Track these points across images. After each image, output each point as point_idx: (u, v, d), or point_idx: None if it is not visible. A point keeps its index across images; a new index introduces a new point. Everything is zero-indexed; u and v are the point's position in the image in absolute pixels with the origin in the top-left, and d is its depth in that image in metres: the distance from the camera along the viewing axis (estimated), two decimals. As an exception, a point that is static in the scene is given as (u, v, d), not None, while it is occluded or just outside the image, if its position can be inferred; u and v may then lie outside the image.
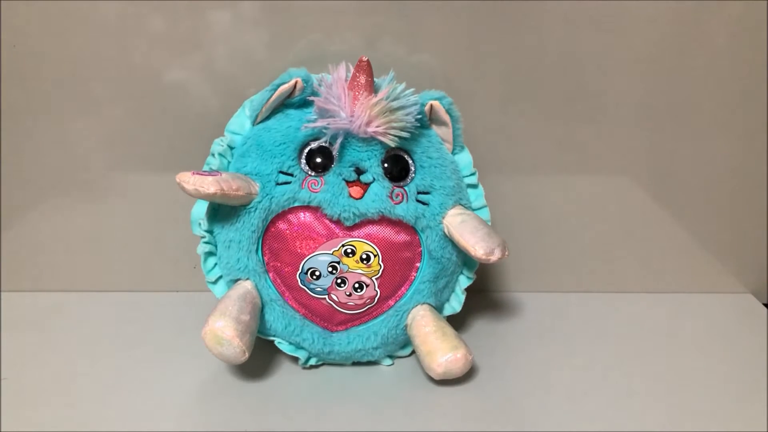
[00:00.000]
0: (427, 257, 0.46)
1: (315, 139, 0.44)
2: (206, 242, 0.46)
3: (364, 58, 0.43)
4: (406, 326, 0.47)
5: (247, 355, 0.42)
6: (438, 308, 0.48)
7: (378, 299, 0.46)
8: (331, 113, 0.43)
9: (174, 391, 0.45)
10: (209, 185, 0.40)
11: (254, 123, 0.46)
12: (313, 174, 0.44)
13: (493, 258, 0.43)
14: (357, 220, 0.44)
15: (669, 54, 0.52)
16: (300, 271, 0.45)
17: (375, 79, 0.44)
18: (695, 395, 0.46)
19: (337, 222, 0.44)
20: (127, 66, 0.51)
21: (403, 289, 0.47)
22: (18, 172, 0.54)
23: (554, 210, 0.58)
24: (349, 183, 0.44)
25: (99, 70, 0.51)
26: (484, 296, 0.59)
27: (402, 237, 0.45)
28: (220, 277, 0.47)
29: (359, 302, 0.46)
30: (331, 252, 0.44)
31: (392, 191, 0.44)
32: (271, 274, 0.46)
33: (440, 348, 0.45)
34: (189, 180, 0.40)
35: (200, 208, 0.46)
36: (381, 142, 0.44)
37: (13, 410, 0.43)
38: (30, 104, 0.52)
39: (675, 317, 0.57)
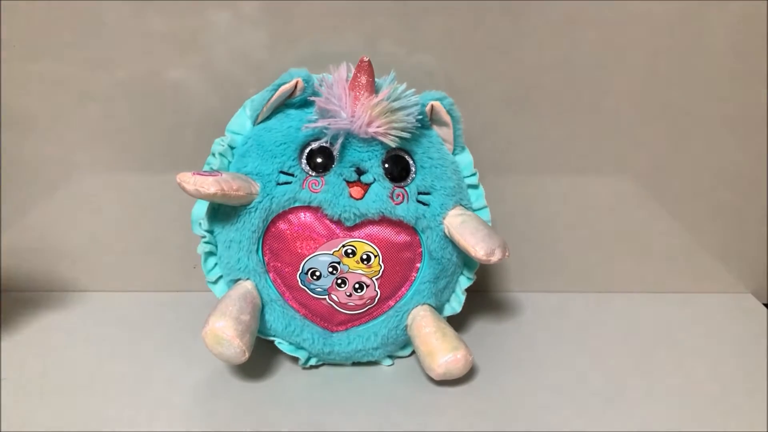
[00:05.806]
0: (428, 258, 0.46)
1: (316, 140, 0.44)
2: (206, 242, 0.46)
3: (365, 59, 0.43)
4: (406, 327, 0.47)
5: (247, 355, 0.42)
6: (438, 309, 0.48)
7: (378, 300, 0.46)
8: (332, 113, 0.43)
9: (174, 391, 0.45)
10: (210, 185, 0.40)
11: (255, 123, 0.46)
12: (313, 174, 0.44)
13: (494, 258, 0.43)
14: (357, 221, 0.44)
15: (669, 54, 0.52)
16: (300, 271, 0.45)
17: (376, 79, 0.44)
18: (695, 395, 0.46)
19: (338, 222, 0.44)
20: (127, 66, 0.51)
21: (403, 289, 0.47)
22: (18, 171, 0.54)
23: (554, 210, 0.58)
24: (349, 183, 0.44)
25: (99, 70, 0.51)
26: (484, 296, 0.59)
27: (402, 237, 0.45)
28: (220, 277, 0.47)
29: (359, 302, 0.46)
30: (331, 252, 0.44)
31: (393, 191, 0.44)
32: (271, 274, 0.46)
33: (440, 349, 0.45)
34: (189, 180, 0.40)
35: (200, 208, 0.46)
36: (382, 143, 0.44)
37: (13, 410, 0.43)
38: (30, 104, 0.52)
39: (675, 317, 0.57)
